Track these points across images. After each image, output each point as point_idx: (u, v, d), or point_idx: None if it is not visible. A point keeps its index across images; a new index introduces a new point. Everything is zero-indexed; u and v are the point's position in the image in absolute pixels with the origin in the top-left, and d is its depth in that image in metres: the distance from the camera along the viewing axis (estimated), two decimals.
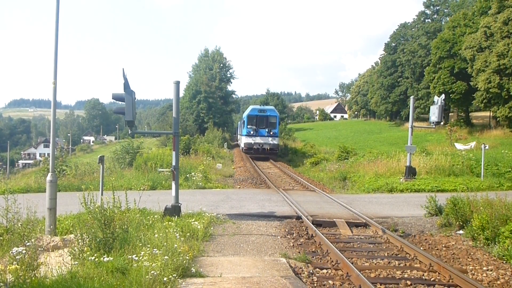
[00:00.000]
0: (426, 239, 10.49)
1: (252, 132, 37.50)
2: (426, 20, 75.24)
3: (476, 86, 44.02)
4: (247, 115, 38.55)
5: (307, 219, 11.74)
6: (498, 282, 7.49)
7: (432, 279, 7.62)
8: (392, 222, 11.98)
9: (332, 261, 8.46)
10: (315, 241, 10.01)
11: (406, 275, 7.81)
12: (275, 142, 37.97)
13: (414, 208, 13.67)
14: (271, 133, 37.45)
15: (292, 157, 43.31)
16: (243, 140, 39.13)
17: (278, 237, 10.23)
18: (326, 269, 8.08)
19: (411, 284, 7.29)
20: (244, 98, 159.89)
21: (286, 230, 10.99)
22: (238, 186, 21.41)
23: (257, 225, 11.30)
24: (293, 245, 9.59)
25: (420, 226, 11.65)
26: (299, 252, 8.95)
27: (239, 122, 63.19)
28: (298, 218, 12.28)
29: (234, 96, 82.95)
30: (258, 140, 37.48)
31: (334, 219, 11.93)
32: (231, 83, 78.12)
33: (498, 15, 42.47)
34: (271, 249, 9.05)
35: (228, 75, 76.64)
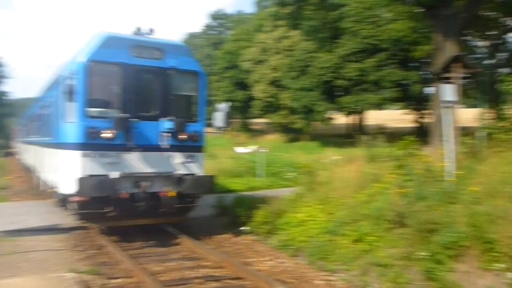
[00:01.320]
0: (215, 237, 11.11)
1: (109, 134, 9.10)
2: (211, 32, 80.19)
3: (254, 96, 49.17)
4: (84, 65, 8.88)
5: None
6: (276, 270, 8.48)
7: (220, 275, 8.11)
8: (186, 224, 12.28)
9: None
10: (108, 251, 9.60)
11: (199, 275, 8.14)
12: (197, 168, 11.08)
13: (203, 209, 14.27)
14: (183, 136, 10.48)
15: None
16: (69, 169, 9.21)
17: (65, 251, 9.46)
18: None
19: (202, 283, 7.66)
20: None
21: (75, 242, 10.26)
22: (18, 199, 18.87)
23: (40, 240, 10.20)
24: (84, 258, 9.01)
25: (209, 226, 12.28)
26: (90, 265, 8.46)
27: (36, 107, 18.98)
28: (85, 228, 11.52)
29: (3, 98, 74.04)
30: (136, 162, 9.52)
31: None
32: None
33: (273, 33, 48.32)
34: (56, 265, 8.30)
35: None
